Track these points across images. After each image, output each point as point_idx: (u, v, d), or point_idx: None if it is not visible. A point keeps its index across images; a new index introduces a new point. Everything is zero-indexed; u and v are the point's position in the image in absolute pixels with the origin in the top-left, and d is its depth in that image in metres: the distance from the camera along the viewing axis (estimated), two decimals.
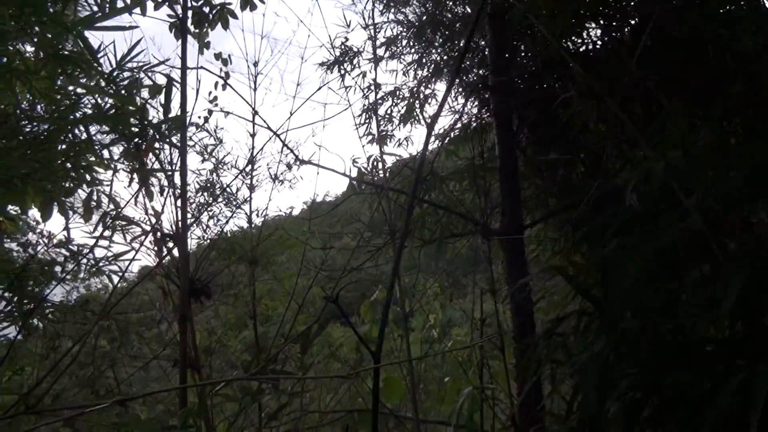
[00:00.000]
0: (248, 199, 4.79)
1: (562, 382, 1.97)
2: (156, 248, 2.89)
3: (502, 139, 3.63)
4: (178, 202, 2.91)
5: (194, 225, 3.37)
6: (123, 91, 2.92)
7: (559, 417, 2.36)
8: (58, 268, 3.36)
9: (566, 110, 3.78)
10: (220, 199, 4.49)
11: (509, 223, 3.52)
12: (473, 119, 4.76)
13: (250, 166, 4.74)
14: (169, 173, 2.88)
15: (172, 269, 2.80)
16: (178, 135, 2.69)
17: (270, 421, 2.67)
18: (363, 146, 4.04)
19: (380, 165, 3.95)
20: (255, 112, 3.46)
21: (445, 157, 4.03)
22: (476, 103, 4.85)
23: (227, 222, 4.14)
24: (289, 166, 4.97)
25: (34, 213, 4.16)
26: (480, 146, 3.74)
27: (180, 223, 2.58)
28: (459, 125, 4.63)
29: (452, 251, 4.98)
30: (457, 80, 4.92)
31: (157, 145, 2.66)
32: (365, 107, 4.85)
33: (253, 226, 4.95)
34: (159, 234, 2.73)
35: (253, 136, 4.94)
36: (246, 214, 4.77)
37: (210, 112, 4.70)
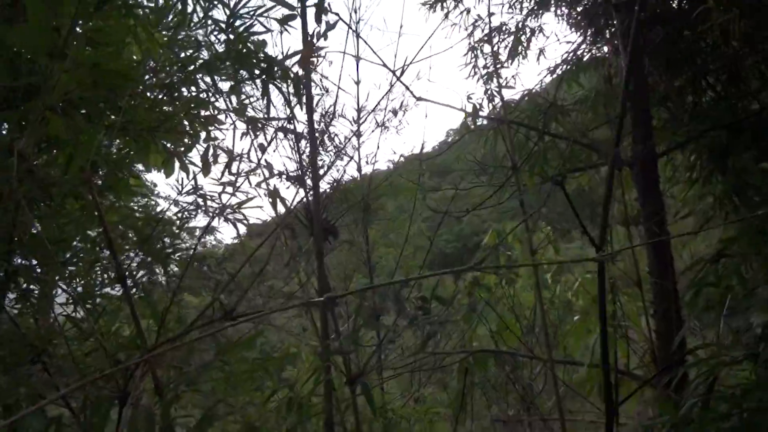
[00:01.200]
0: (357, 147, 4.76)
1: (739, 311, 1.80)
2: (281, 192, 2.91)
3: (631, 62, 3.37)
4: (301, 144, 2.90)
5: (318, 167, 3.35)
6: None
7: (717, 349, 2.20)
8: (186, 215, 3.45)
9: (701, 25, 3.47)
10: (330, 148, 4.48)
11: (642, 152, 3.30)
12: (588, 50, 4.48)
13: (357, 114, 4.69)
14: (290, 117, 2.87)
15: (300, 211, 2.81)
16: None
17: (419, 351, 2.65)
18: (481, 80, 3.89)
19: (497, 99, 3.79)
20: (373, 51, 3.37)
21: (567, 89, 3.80)
22: (588, 33, 4.56)
23: (343, 171, 4.10)
24: (395, 112, 4.89)
25: (151, 177, 4.27)
26: (608, 72, 3.50)
27: (310, 162, 2.56)
28: (573, 57, 4.36)
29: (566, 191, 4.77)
30: (569, 11, 4.63)
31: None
32: (471, 45, 4.66)
33: (363, 174, 4.93)
34: (286, 176, 2.74)
35: (357, 83, 4.88)
36: (356, 162, 4.74)
37: (312, 60, 4.66)
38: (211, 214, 3.43)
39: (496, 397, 5.72)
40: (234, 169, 3.32)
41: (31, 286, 2.98)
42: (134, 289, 3.26)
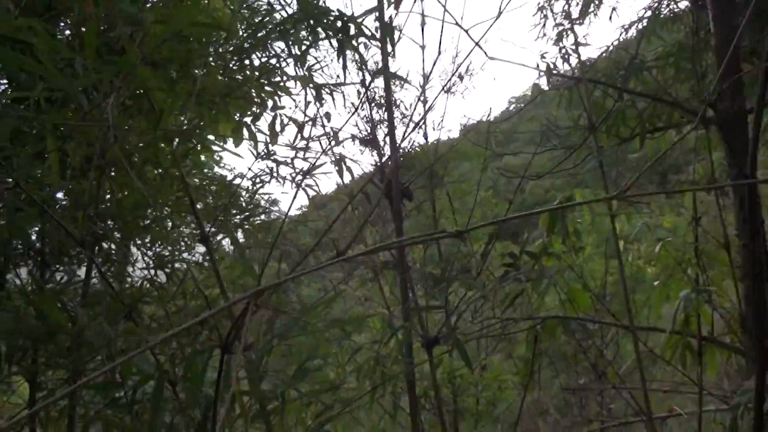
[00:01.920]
0: (423, 113, 4.70)
1: None
2: (353, 157, 2.89)
3: (720, 11, 3.17)
4: (375, 111, 2.87)
5: (395, 127, 3.31)
6: None
7: None
8: (260, 182, 3.47)
9: None
10: (396, 115, 4.44)
11: (730, 109, 3.12)
12: (666, 4, 4.26)
13: (423, 80, 4.63)
14: (366, 80, 2.82)
15: (375, 175, 2.79)
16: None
17: (507, 308, 2.61)
18: (551, 39, 3.74)
19: (572, 58, 3.66)
20: (445, 7, 3.27)
21: (645, 46, 3.62)
22: None
23: (411, 137, 4.05)
24: (461, 77, 4.81)
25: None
26: (694, 23, 3.30)
27: (388, 122, 2.53)
28: (651, 12, 4.16)
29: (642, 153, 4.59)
30: None
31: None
32: (541, 4, 4.50)
33: (428, 141, 4.88)
34: (360, 140, 2.72)
35: (423, 48, 4.81)
36: (422, 128, 4.69)
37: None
38: (283, 181, 3.45)
39: (565, 366, 5.64)
40: (305, 134, 3.32)
41: (114, 250, 3.08)
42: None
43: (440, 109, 6.86)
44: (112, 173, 2.84)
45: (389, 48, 2.86)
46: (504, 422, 5.46)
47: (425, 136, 4.79)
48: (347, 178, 3.85)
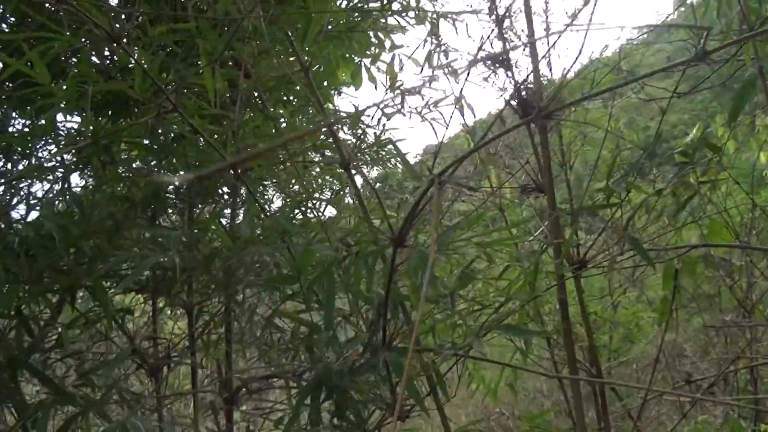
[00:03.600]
0: (548, 43, 4.46)
1: None
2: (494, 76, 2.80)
3: None
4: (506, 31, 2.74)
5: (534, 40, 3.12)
6: None
7: None
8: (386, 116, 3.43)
9: None
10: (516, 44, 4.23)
11: None
12: None
13: (545, 5, 4.38)
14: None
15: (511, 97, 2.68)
16: None
17: (678, 212, 2.46)
18: None
19: None
20: None
21: None
22: None
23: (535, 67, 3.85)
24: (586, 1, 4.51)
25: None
26: None
27: (528, 33, 2.41)
28: None
29: None
30: None
31: None
32: None
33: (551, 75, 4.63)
34: (492, 60, 2.61)
35: None
36: (548, 58, 4.46)
37: None
38: (409, 114, 3.40)
39: (704, 305, 5.32)
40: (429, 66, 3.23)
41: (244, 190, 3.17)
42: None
43: (565, 37, 6.53)
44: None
45: None
46: (640, 362, 5.26)
47: (549, 67, 4.57)
48: (470, 119, 3.74)
